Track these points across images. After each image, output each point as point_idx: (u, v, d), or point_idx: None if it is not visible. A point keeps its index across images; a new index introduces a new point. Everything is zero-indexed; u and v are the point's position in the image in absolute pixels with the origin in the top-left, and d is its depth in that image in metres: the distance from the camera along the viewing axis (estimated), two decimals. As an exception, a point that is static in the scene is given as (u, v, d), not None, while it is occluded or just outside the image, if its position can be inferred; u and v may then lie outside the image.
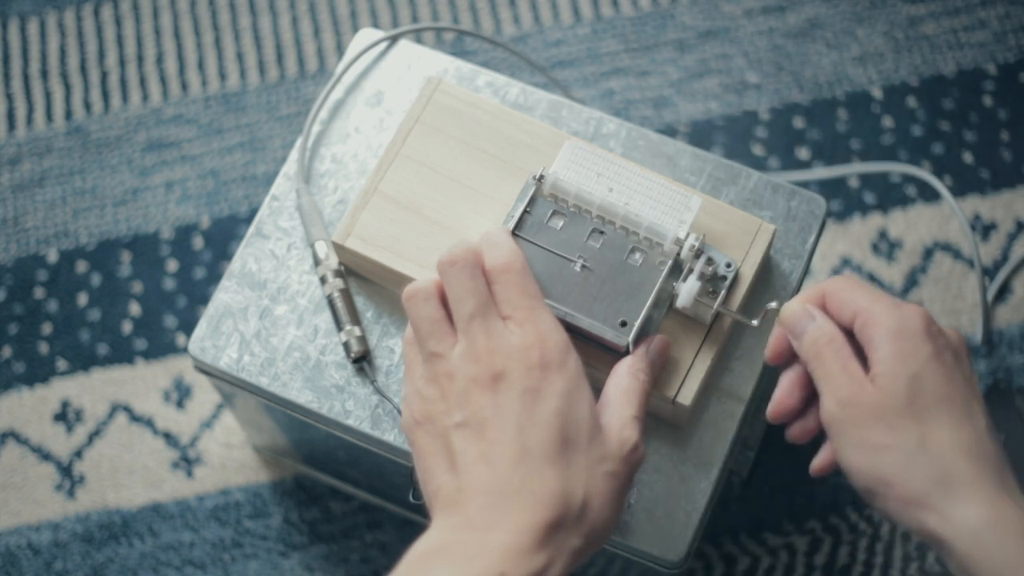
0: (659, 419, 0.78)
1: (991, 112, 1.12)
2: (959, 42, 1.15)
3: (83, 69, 1.17)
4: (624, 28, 1.16)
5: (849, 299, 0.71)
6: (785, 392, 0.73)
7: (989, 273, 1.07)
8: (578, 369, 0.67)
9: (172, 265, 1.10)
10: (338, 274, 0.81)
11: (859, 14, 1.16)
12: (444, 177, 0.81)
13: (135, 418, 1.06)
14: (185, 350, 1.07)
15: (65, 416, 1.06)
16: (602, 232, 0.76)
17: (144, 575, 1.01)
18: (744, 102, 1.13)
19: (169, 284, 1.09)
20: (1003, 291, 1.07)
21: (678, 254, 0.76)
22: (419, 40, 1.10)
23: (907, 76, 1.13)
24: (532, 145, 0.81)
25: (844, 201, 1.09)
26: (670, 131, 1.12)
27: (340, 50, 1.17)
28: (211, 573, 1.01)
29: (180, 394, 1.06)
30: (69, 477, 1.04)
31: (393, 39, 0.88)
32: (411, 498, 0.73)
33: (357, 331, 0.80)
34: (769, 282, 0.81)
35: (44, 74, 1.17)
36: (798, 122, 1.12)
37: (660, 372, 0.75)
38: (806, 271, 0.82)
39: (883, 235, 1.08)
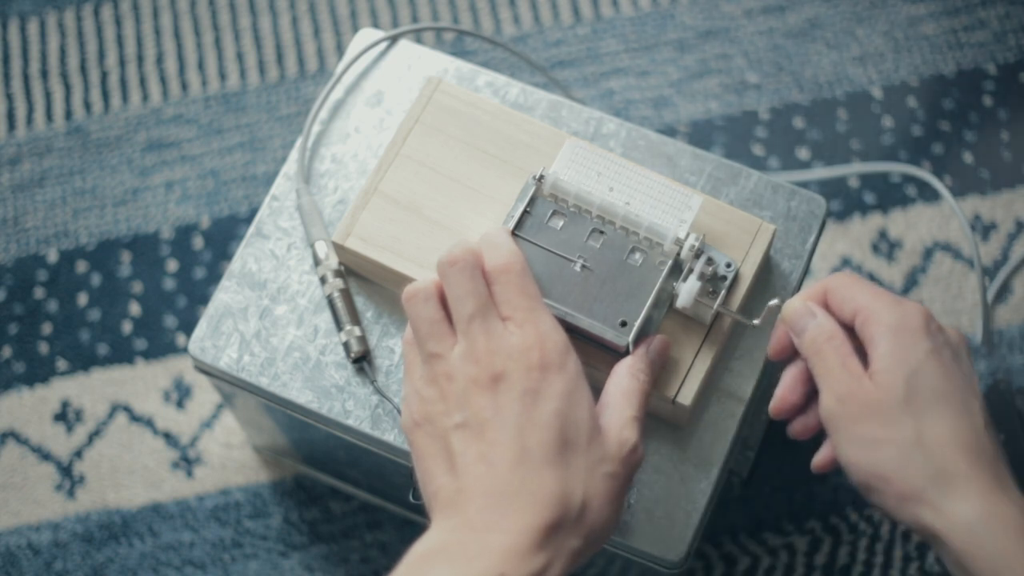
0: (659, 419, 0.78)
1: (991, 112, 1.12)
2: (959, 42, 1.15)
3: (83, 69, 1.17)
4: (624, 28, 1.16)
5: (850, 296, 0.71)
6: (787, 388, 0.74)
7: (989, 273, 1.07)
8: (577, 370, 0.67)
9: (172, 265, 1.10)
10: (338, 274, 0.81)
11: (859, 14, 1.16)
12: (444, 177, 0.81)
13: (135, 418, 1.06)
14: (185, 350, 1.07)
15: (65, 416, 1.06)
16: (602, 232, 0.76)
17: (144, 575, 1.01)
18: (744, 102, 1.13)
19: (169, 284, 1.09)
20: (1003, 291, 1.07)
21: (678, 254, 0.76)
22: (419, 40, 1.10)
23: (907, 76, 1.13)
24: (532, 145, 0.81)
25: (844, 201, 1.09)
26: (670, 131, 1.12)
27: (340, 50, 1.17)
28: (211, 573, 1.01)
29: (180, 394, 1.06)
30: (69, 477, 1.04)
31: (393, 39, 0.88)
32: (411, 498, 0.73)
33: (357, 331, 0.80)
34: (769, 282, 0.81)
35: (44, 74, 1.17)
36: (798, 122, 1.12)
37: (660, 372, 0.75)
38: (806, 271, 0.82)
39: (883, 235, 1.08)
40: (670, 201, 0.76)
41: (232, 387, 0.83)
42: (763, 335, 0.79)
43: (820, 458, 0.72)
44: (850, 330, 0.72)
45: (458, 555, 0.63)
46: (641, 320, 0.74)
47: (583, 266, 0.76)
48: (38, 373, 1.07)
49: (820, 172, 1.07)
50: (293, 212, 0.84)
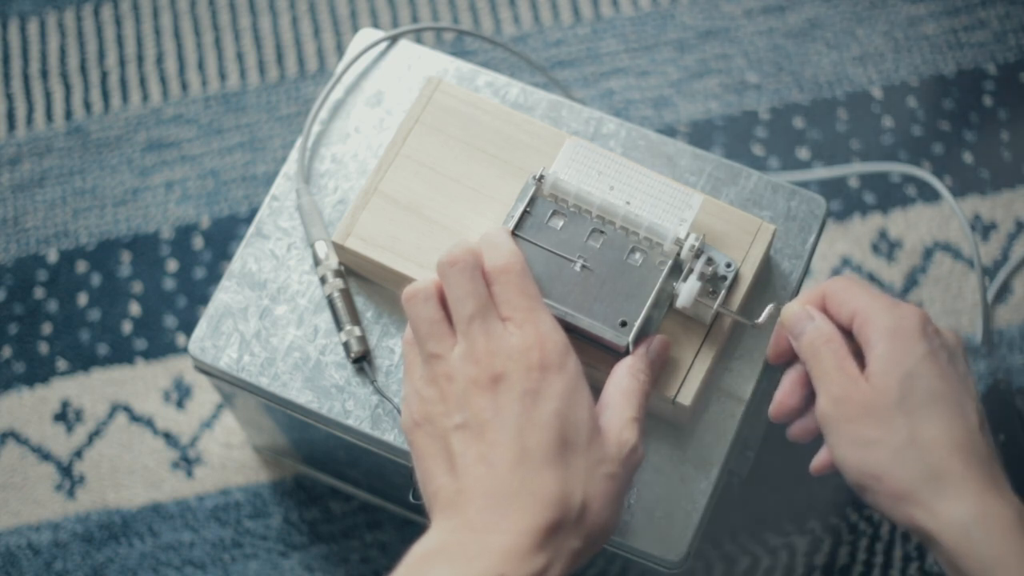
0: (659, 419, 0.78)
1: (991, 112, 1.12)
2: (959, 42, 1.15)
3: (83, 69, 1.17)
4: (624, 28, 1.16)
5: (848, 299, 0.72)
6: (786, 392, 0.74)
7: (989, 273, 1.07)
8: (577, 370, 0.67)
9: (172, 265, 1.10)
10: (338, 274, 0.81)
11: (859, 14, 1.16)
12: (444, 177, 0.80)
13: (135, 418, 1.06)
14: (185, 350, 1.07)
15: (65, 416, 1.06)
16: (602, 232, 0.76)
17: (144, 575, 1.01)
18: (744, 102, 1.13)
19: (169, 284, 1.09)
20: (1003, 291, 1.07)
21: (678, 254, 0.76)
22: (419, 40, 1.10)
23: (907, 76, 1.13)
24: (532, 145, 0.81)
25: (844, 201, 1.09)
26: (670, 131, 1.12)
27: (340, 50, 1.17)
28: (211, 573, 1.01)
29: (180, 394, 1.06)
30: (69, 477, 1.04)
31: (393, 39, 0.88)
32: (411, 498, 0.73)
33: (357, 331, 0.80)
34: (769, 282, 0.81)
35: (44, 74, 1.17)
36: (798, 122, 1.12)
37: (660, 372, 0.76)
38: (806, 271, 0.82)
39: (883, 235, 1.08)
40: (671, 200, 0.76)
41: (232, 387, 0.83)
42: (763, 335, 0.79)
43: (818, 461, 0.73)
44: (849, 333, 0.72)
45: (458, 556, 0.63)
46: (641, 320, 0.74)
47: (583, 266, 0.76)
48: (38, 373, 1.07)
49: (820, 172, 1.07)
50: (293, 212, 0.84)
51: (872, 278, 1.07)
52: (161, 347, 1.07)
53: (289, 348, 0.81)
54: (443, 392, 0.67)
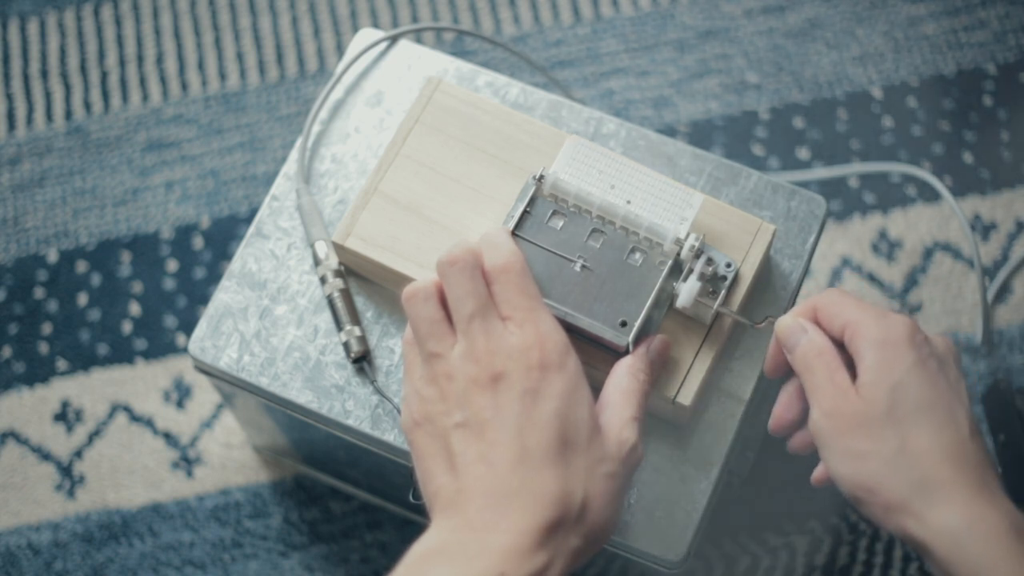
0: (659, 419, 0.78)
1: (991, 112, 1.12)
2: (959, 42, 1.15)
3: (83, 69, 1.17)
4: (624, 28, 1.16)
5: (838, 312, 0.72)
6: (784, 406, 0.75)
7: (989, 273, 1.07)
8: (577, 370, 0.67)
9: (172, 265, 1.10)
10: (338, 274, 0.81)
11: (859, 14, 1.16)
12: (444, 177, 0.81)
13: (135, 418, 1.06)
14: (185, 350, 1.07)
15: (65, 416, 1.06)
16: (602, 232, 0.76)
17: (144, 575, 1.01)
18: (744, 102, 1.13)
19: (169, 284, 1.09)
20: (1003, 291, 1.07)
21: (678, 254, 0.76)
22: (419, 40, 1.10)
23: (907, 76, 1.13)
24: (532, 145, 0.81)
25: (844, 201, 1.09)
26: (670, 131, 1.12)
27: (340, 50, 1.17)
28: (211, 573, 1.01)
29: (180, 394, 1.06)
30: (69, 477, 1.04)
31: (393, 39, 0.88)
32: (411, 498, 0.73)
33: (357, 331, 0.80)
34: (769, 282, 0.81)
35: (44, 74, 1.17)
36: (798, 122, 1.12)
37: (660, 372, 0.76)
38: (806, 271, 0.82)
39: (883, 235, 1.08)
40: (671, 199, 0.76)
41: (232, 387, 0.83)
42: (763, 336, 0.79)
43: (818, 473, 0.73)
44: (841, 345, 0.72)
45: (458, 555, 0.63)
46: (641, 320, 0.74)
47: (583, 266, 0.76)
48: (38, 373, 1.07)
49: (820, 172, 1.07)
50: (293, 212, 0.84)
51: (872, 278, 1.07)
52: (161, 347, 1.07)
53: (289, 348, 0.81)
54: (443, 391, 0.67)
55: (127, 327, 1.08)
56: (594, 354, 0.75)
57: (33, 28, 1.19)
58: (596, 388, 0.70)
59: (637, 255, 0.76)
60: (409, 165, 0.81)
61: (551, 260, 0.76)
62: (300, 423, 0.83)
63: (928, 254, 1.07)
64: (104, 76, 1.17)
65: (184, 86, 1.16)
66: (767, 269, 0.81)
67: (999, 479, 0.69)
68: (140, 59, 1.17)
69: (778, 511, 1.01)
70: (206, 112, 1.15)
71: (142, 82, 1.16)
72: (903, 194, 1.09)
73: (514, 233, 0.76)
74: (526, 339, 0.67)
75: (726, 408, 0.78)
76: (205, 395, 1.06)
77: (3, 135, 1.15)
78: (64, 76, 1.17)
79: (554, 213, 0.77)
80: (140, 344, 1.08)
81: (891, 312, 0.72)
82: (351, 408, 0.79)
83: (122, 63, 1.17)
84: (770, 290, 0.81)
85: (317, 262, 0.81)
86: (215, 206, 1.12)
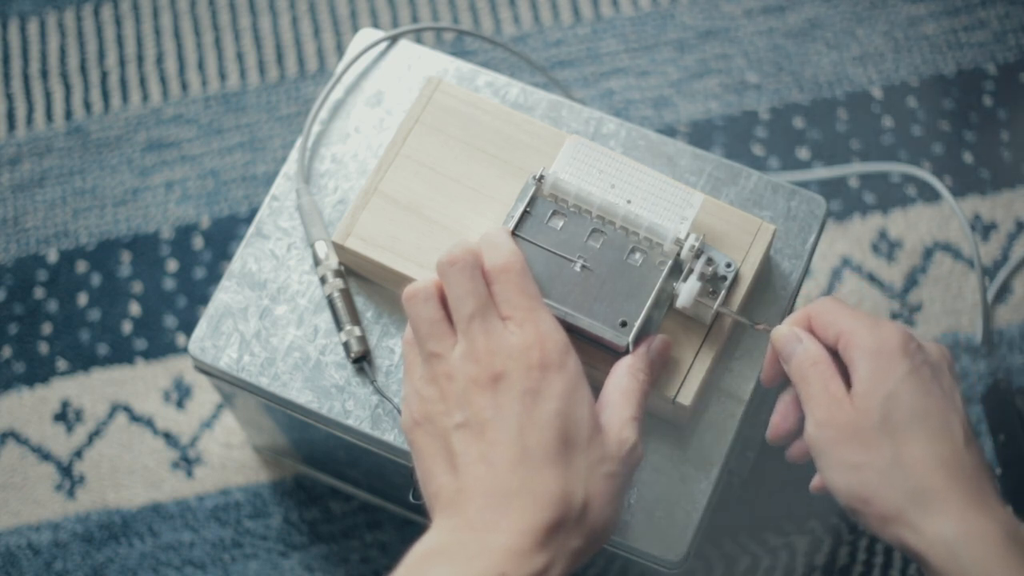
0: (659, 419, 0.78)
1: (991, 112, 1.12)
2: (959, 42, 1.15)
3: (83, 69, 1.17)
4: (624, 28, 1.16)
5: (832, 321, 0.72)
6: (781, 416, 0.75)
7: (989, 273, 1.07)
8: (577, 370, 0.67)
9: (172, 265, 1.10)
10: (338, 274, 0.81)
11: (859, 14, 1.16)
12: (444, 177, 0.81)
13: (135, 418, 1.06)
14: (185, 350, 1.07)
15: (65, 416, 1.06)
16: (602, 232, 0.76)
17: (144, 575, 1.01)
18: (744, 102, 1.13)
19: (169, 284, 1.09)
20: (1003, 291, 1.07)
21: (678, 254, 0.76)
22: (419, 40, 1.10)
23: (907, 76, 1.13)
24: (532, 145, 0.81)
25: (844, 201, 1.09)
26: (670, 131, 1.12)
27: (340, 50, 1.17)
28: (211, 573, 1.01)
29: (180, 394, 1.06)
30: (69, 477, 1.04)
31: (393, 39, 0.88)
32: (411, 498, 0.73)
33: (357, 331, 0.80)
34: (769, 282, 0.81)
35: (44, 74, 1.17)
36: (798, 122, 1.12)
37: (661, 372, 0.76)
38: (806, 271, 0.82)
39: (883, 235, 1.08)
40: (671, 199, 0.76)
41: (232, 387, 0.83)
42: (763, 336, 0.79)
43: (816, 482, 0.73)
44: (836, 354, 0.72)
45: (459, 555, 0.63)
46: (641, 320, 0.74)
47: (583, 266, 0.76)
48: (38, 373, 1.07)
49: (820, 172, 1.07)
50: (293, 212, 0.84)
51: (872, 278, 1.07)
52: (161, 347, 1.07)
53: (289, 348, 0.81)
54: (443, 391, 0.67)
55: (127, 327, 1.08)
56: (594, 354, 0.75)
57: (33, 28, 1.19)
58: (596, 388, 0.70)
59: (637, 255, 0.76)
60: (409, 165, 0.81)
61: (551, 260, 0.76)
62: (300, 423, 0.83)
63: (928, 254, 1.07)
64: (104, 76, 1.17)
65: (184, 86, 1.16)
66: (767, 269, 0.81)
67: (996, 486, 0.69)
68: (140, 59, 1.17)
69: (778, 511, 1.01)
70: (206, 112, 1.15)
71: (142, 82, 1.16)
72: (903, 194, 1.09)
73: (514, 233, 0.76)
74: (526, 339, 0.67)
75: (726, 408, 0.78)
76: (205, 395, 1.06)
77: (3, 135, 1.15)
78: (64, 76, 1.17)
79: (554, 213, 0.77)
80: (140, 344, 1.08)
81: (885, 320, 0.72)
82: (351, 408, 0.79)
83: (122, 63, 1.17)
84: (770, 290, 0.81)
85: (317, 262, 0.81)
86: (215, 206, 1.12)
